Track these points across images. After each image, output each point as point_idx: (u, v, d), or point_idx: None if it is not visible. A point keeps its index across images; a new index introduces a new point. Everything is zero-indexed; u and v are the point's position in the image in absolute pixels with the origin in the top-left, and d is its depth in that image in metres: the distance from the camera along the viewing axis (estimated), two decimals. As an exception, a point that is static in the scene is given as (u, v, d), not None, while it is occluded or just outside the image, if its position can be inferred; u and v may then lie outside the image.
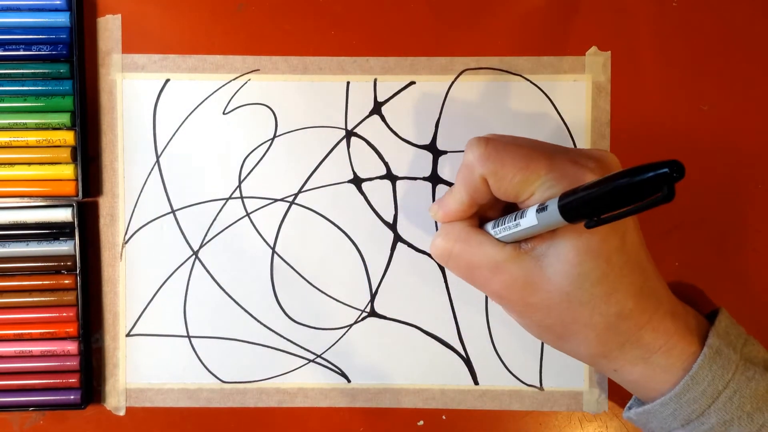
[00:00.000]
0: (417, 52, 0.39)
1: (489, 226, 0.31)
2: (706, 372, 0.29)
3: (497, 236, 0.31)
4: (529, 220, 0.28)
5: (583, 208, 0.25)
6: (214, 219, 0.39)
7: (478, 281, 0.31)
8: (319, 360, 0.39)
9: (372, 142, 0.39)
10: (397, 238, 0.39)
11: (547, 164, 0.29)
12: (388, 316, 0.39)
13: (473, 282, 0.31)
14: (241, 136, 0.39)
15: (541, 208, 0.27)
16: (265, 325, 0.39)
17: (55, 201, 0.38)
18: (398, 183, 0.39)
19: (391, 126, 0.39)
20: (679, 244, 0.39)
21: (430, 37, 0.39)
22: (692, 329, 0.30)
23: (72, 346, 0.38)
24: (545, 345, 0.39)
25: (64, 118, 0.38)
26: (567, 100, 0.39)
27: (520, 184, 0.29)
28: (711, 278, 0.39)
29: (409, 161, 0.39)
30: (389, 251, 0.39)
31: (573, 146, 0.39)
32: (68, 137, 0.38)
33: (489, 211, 0.33)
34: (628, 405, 0.33)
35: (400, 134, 0.39)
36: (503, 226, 0.30)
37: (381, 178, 0.39)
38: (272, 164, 0.39)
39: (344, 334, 0.39)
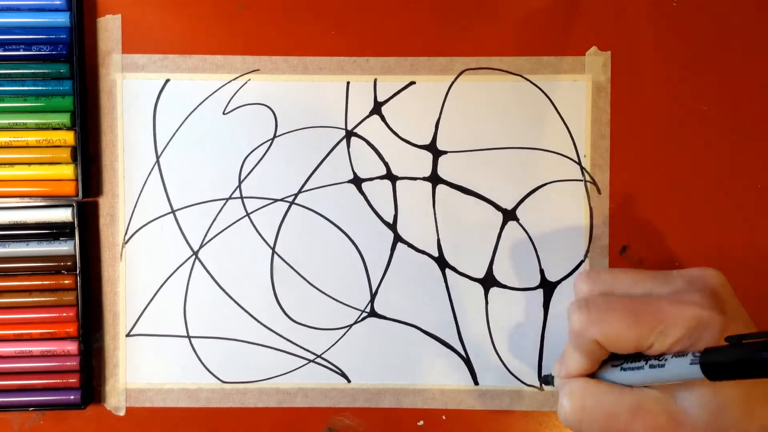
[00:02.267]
0: (417, 52, 0.39)
1: (612, 371, 0.31)
2: None
3: (622, 379, 0.30)
4: (670, 372, 0.28)
5: (726, 374, 0.25)
6: (214, 219, 0.39)
7: (618, 429, 0.30)
8: (319, 360, 0.39)
9: (372, 142, 0.39)
10: (397, 238, 0.39)
11: (654, 315, 0.29)
12: (388, 316, 0.39)
13: (610, 431, 0.30)
14: (241, 136, 0.39)
15: (677, 365, 0.28)
16: (265, 325, 0.39)
17: (55, 201, 0.38)
18: (398, 183, 0.39)
19: (391, 126, 0.39)
20: (680, 243, 0.39)
21: (430, 37, 0.39)
22: None
23: (72, 346, 0.38)
24: (545, 345, 0.39)
25: (64, 118, 0.38)
26: (567, 100, 0.39)
27: (636, 340, 0.29)
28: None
29: (409, 161, 0.39)
30: (389, 251, 0.39)
31: (573, 147, 0.39)
32: (68, 137, 0.38)
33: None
34: None
35: (400, 134, 0.39)
36: (631, 372, 0.30)
37: (381, 178, 0.39)
38: (272, 164, 0.39)
39: (344, 334, 0.39)
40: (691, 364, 0.27)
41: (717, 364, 0.26)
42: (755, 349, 0.24)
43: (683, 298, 0.29)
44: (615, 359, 0.31)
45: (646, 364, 0.29)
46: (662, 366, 0.28)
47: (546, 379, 0.38)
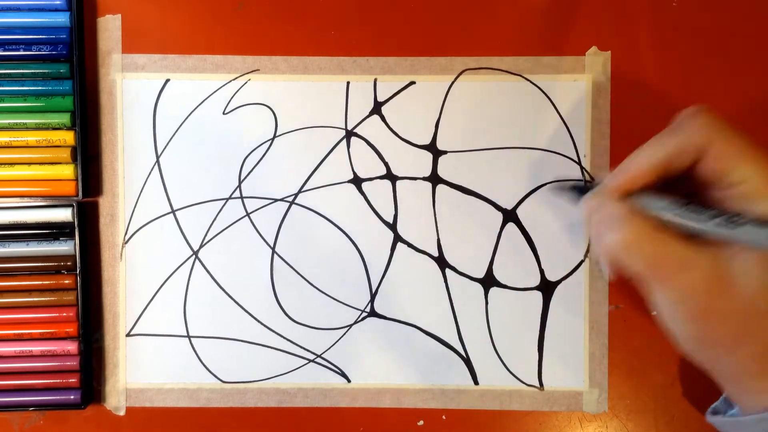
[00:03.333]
0: (417, 52, 0.39)
1: (671, 210, 0.29)
2: None
3: (685, 223, 0.29)
4: (746, 232, 0.27)
5: None
6: (214, 219, 0.39)
7: (662, 276, 0.29)
8: (319, 360, 0.39)
9: (372, 142, 0.39)
10: (397, 238, 0.39)
11: None
12: (388, 316, 0.39)
13: (655, 276, 0.29)
14: (241, 136, 0.39)
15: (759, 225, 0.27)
16: (265, 325, 0.39)
17: (55, 201, 0.38)
18: (398, 183, 0.39)
19: (391, 126, 0.39)
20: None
21: (430, 37, 0.39)
22: None
23: (72, 346, 0.38)
24: (545, 345, 0.39)
25: (64, 118, 0.38)
26: (567, 100, 0.39)
27: (739, 162, 0.28)
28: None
29: (409, 161, 0.39)
30: (389, 251, 0.39)
31: (573, 147, 0.39)
32: (68, 137, 0.38)
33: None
34: (712, 408, 0.33)
35: (400, 134, 0.39)
36: (700, 215, 0.28)
37: (381, 178, 0.39)
38: (272, 164, 0.39)
39: (344, 334, 0.39)
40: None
41: None
42: None
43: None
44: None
45: (720, 218, 0.28)
46: (735, 223, 0.27)
47: (562, 185, 0.34)
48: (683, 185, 0.30)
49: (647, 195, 0.30)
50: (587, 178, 0.38)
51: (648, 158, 0.29)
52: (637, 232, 0.29)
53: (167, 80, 0.39)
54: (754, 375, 0.29)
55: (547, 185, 0.38)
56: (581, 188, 0.33)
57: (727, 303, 0.28)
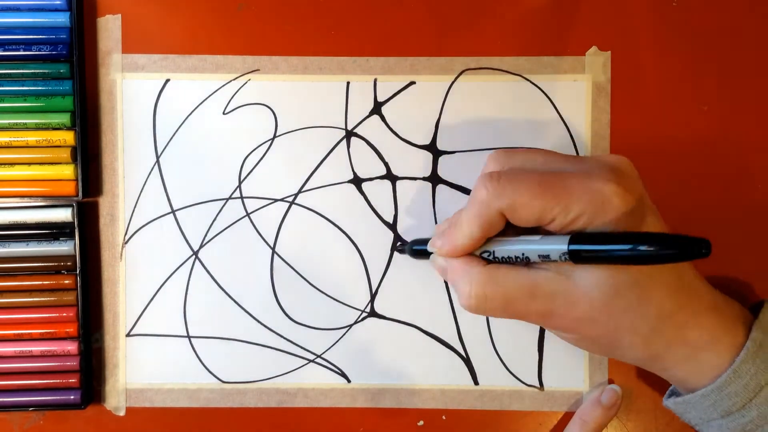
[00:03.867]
0: (417, 52, 0.39)
1: (494, 243, 0.31)
2: (749, 366, 0.29)
3: (499, 250, 0.31)
4: (533, 245, 0.29)
5: (595, 260, 0.26)
6: (214, 219, 0.39)
7: (519, 311, 0.30)
8: (319, 360, 0.39)
9: (372, 142, 0.39)
10: (397, 238, 0.39)
11: (561, 187, 0.28)
12: (388, 316, 0.39)
13: (514, 314, 0.31)
14: (241, 136, 0.39)
15: (548, 239, 0.28)
16: (265, 325, 0.39)
17: (55, 201, 0.38)
18: (398, 183, 0.39)
19: (391, 126, 0.39)
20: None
21: (430, 37, 0.39)
22: (736, 321, 0.30)
23: (72, 346, 0.38)
24: (545, 345, 0.39)
25: (64, 118, 0.38)
26: (567, 100, 0.39)
27: (540, 211, 0.28)
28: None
29: (409, 161, 0.39)
30: (389, 251, 0.39)
31: (573, 146, 0.39)
32: (68, 137, 0.38)
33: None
34: (667, 393, 0.34)
35: (400, 134, 0.39)
36: (503, 244, 0.30)
37: (381, 178, 0.39)
38: (272, 164, 0.39)
39: (344, 334, 0.39)
40: (560, 244, 0.27)
41: (586, 254, 0.26)
42: (631, 239, 0.25)
43: (591, 174, 0.29)
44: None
45: (517, 240, 0.30)
46: (536, 239, 0.29)
47: (402, 249, 0.38)
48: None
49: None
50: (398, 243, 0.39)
51: (464, 237, 0.31)
52: (482, 283, 0.30)
53: (167, 80, 0.39)
54: (649, 359, 0.31)
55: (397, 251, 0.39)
56: (418, 250, 0.36)
57: (585, 310, 0.29)
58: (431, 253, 0.34)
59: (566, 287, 0.29)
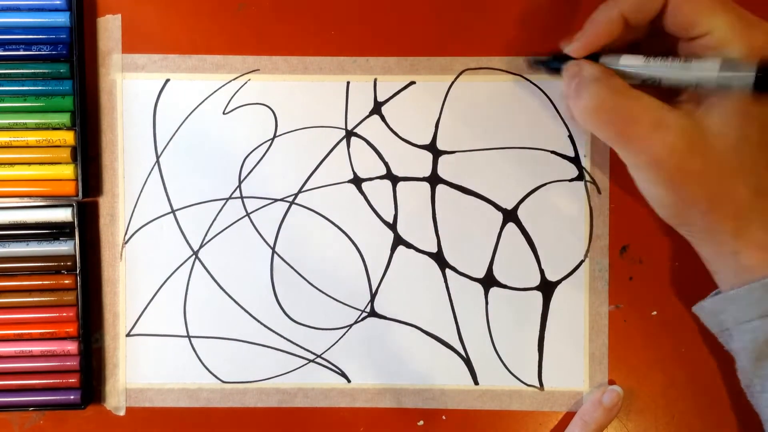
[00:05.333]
0: (417, 52, 0.39)
1: (637, 60, 0.29)
2: None
3: (650, 69, 0.28)
4: (709, 67, 0.27)
5: None
6: (214, 219, 0.39)
7: (634, 138, 0.28)
8: (319, 360, 0.39)
9: (372, 142, 0.39)
10: (397, 238, 0.39)
11: (737, 7, 0.27)
12: (388, 316, 0.39)
13: (627, 139, 0.29)
14: (241, 136, 0.39)
15: (728, 66, 0.26)
16: (265, 325, 0.39)
17: (55, 201, 0.38)
18: (398, 183, 0.39)
19: (391, 126, 0.39)
20: (680, 242, 0.39)
21: (430, 37, 0.39)
22: None
23: (72, 346, 0.38)
24: (545, 345, 0.39)
25: (64, 118, 0.38)
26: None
27: (704, 12, 0.27)
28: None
29: (409, 161, 0.39)
30: (389, 251, 0.39)
31: (573, 147, 0.39)
32: (68, 137, 0.38)
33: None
34: (700, 303, 0.33)
35: (400, 134, 0.39)
36: (666, 63, 0.28)
37: (381, 178, 0.39)
38: (272, 164, 0.39)
39: (344, 334, 0.39)
40: (742, 68, 0.25)
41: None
42: None
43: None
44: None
45: (687, 62, 0.28)
46: (700, 62, 0.27)
47: (547, 62, 0.35)
48: (656, 45, 0.30)
49: (616, 55, 0.29)
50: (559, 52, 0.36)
51: (604, 18, 0.29)
52: (609, 91, 0.29)
53: (167, 80, 0.39)
54: (731, 233, 0.29)
55: (528, 60, 0.37)
56: (559, 58, 0.33)
57: (702, 163, 0.28)
58: (560, 60, 0.32)
59: (695, 130, 0.28)
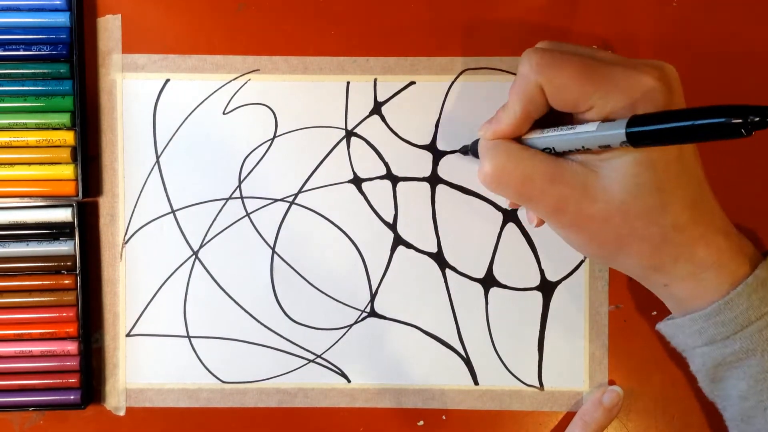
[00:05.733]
0: (417, 52, 0.39)
1: (535, 134, 0.30)
2: (744, 299, 0.29)
3: (544, 140, 0.30)
4: (589, 127, 0.28)
5: (652, 138, 0.25)
6: (214, 219, 0.39)
7: (533, 195, 0.30)
8: (319, 360, 0.39)
9: (372, 142, 0.39)
10: (397, 238, 0.39)
11: (607, 72, 0.28)
12: (388, 316, 0.39)
13: (527, 197, 0.30)
14: (241, 136, 0.39)
15: (605, 125, 0.27)
16: (265, 325, 0.39)
17: (55, 201, 0.38)
18: (398, 183, 0.39)
19: (391, 126, 0.39)
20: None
21: (430, 37, 0.39)
22: (744, 254, 0.30)
23: (72, 346, 0.38)
24: (545, 345, 0.39)
25: (64, 118, 0.38)
26: (567, 100, 0.39)
27: (578, 95, 0.28)
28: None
29: (409, 161, 0.39)
30: (389, 251, 0.39)
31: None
32: (68, 137, 0.38)
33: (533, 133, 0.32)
34: (658, 325, 0.34)
35: (400, 134, 0.39)
36: (556, 132, 0.29)
37: (381, 178, 0.39)
38: (272, 164, 0.39)
39: (344, 334, 0.39)
40: (616, 127, 0.26)
41: (645, 133, 0.25)
42: (687, 115, 0.24)
43: (636, 67, 0.28)
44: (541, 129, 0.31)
45: (572, 128, 0.29)
46: (591, 131, 0.28)
47: (465, 149, 0.38)
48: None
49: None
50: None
51: (507, 116, 0.30)
52: (505, 156, 0.30)
53: (167, 80, 0.39)
54: (653, 269, 0.30)
55: (454, 153, 0.39)
56: (476, 143, 0.35)
57: (601, 209, 0.28)
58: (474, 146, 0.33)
59: (590, 179, 0.28)
